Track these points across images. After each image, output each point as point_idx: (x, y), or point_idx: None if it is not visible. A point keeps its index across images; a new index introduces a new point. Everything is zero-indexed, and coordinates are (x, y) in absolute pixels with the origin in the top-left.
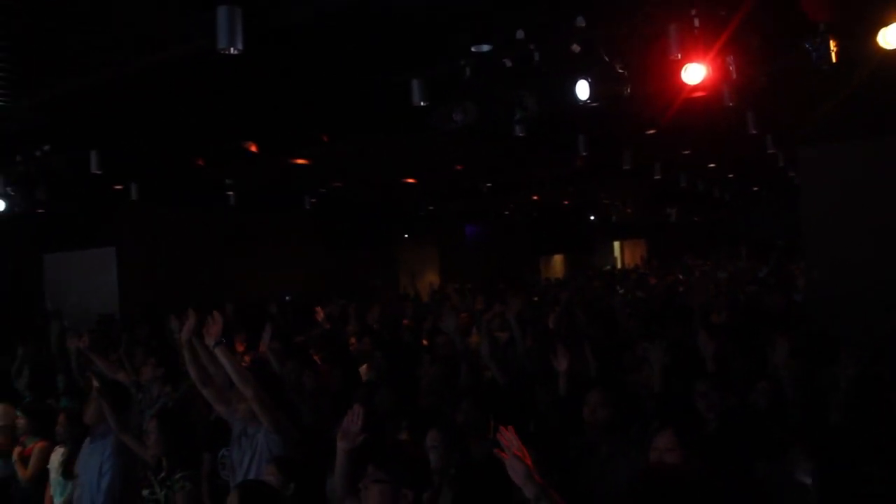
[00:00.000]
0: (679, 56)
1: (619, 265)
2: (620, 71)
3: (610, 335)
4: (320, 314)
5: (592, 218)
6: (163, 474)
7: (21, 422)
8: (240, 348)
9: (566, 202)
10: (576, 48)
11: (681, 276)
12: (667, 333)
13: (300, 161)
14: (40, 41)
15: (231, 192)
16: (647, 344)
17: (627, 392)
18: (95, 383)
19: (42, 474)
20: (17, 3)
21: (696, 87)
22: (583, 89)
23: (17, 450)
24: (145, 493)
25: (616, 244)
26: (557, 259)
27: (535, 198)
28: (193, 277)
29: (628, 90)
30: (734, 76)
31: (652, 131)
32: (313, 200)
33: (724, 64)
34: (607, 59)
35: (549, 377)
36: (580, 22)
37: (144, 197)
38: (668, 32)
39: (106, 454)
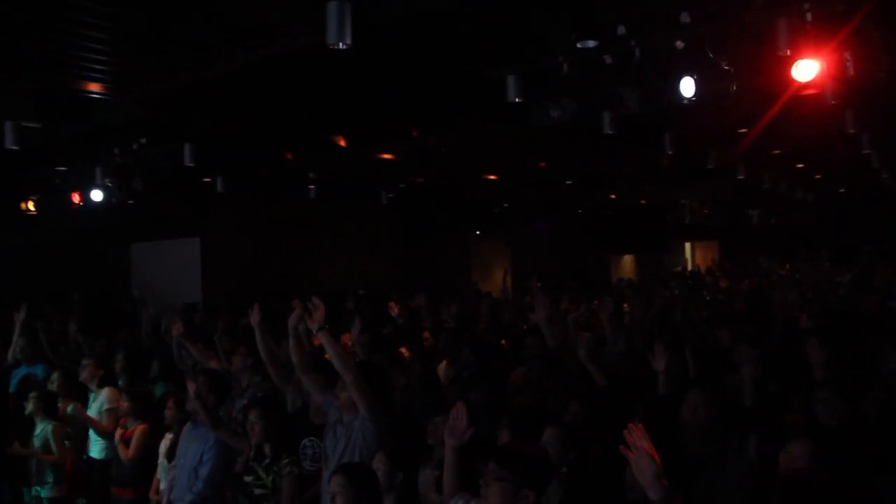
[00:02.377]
0: (788, 52)
1: (689, 267)
2: (726, 68)
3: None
4: (394, 309)
5: (666, 218)
6: (267, 461)
7: (124, 405)
8: (316, 342)
9: (643, 201)
10: (679, 44)
11: (756, 280)
12: (755, 339)
13: (386, 156)
14: (147, 37)
15: (312, 186)
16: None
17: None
18: (191, 382)
19: (143, 456)
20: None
21: (805, 85)
22: (687, 87)
23: (118, 432)
24: (248, 479)
25: (687, 245)
26: (627, 259)
27: (612, 196)
28: (275, 268)
29: (734, 87)
30: (851, 73)
31: (744, 130)
32: (391, 195)
33: (841, 60)
34: (712, 56)
35: (647, 378)
36: (685, 18)
37: (229, 189)
38: (777, 27)
39: (209, 443)
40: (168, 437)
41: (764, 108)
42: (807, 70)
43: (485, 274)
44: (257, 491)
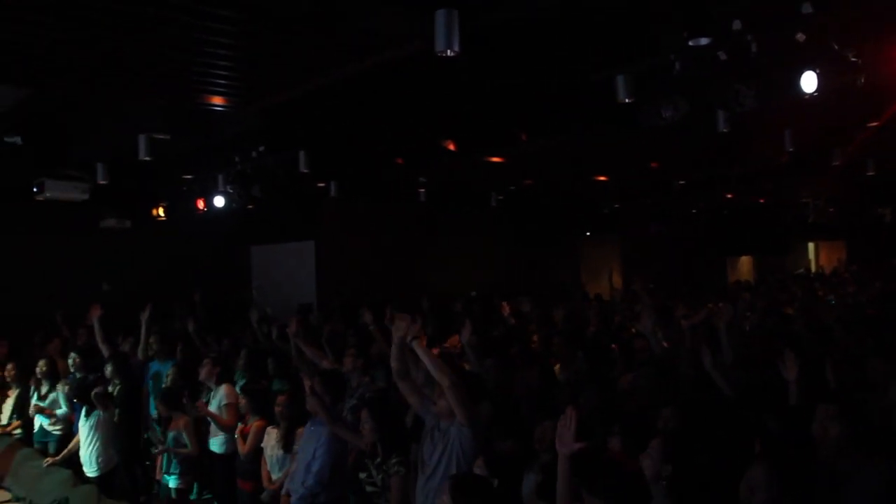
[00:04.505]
0: None
1: (813, 268)
2: (853, 60)
3: (824, 345)
4: (506, 309)
5: (787, 217)
6: (378, 459)
7: (242, 402)
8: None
9: (761, 200)
10: (801, 37)
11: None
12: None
13: (495, 159)
14: (266, 52)
15: (422, 190)
16: (877, 361)
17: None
18: (307, 381)
19: (258, 450)
20: (243, 16)
21: None
22: (809, 81)
23: (239, 427)
24: (363, 476)
25: (811, 246)
26: (745, 260)
27: (728, 196)
28: (386, 271)
29: (862, 80)
30: None
31: (875, 123)
32: (500, 198)
33: None
34: (837, 48)
35: (774, 388)
36: (806, 9)
37: (343, 194)
38: None
39: (321, 440)
40: (273, 431)
41: (893, 99)
42: None
43: (594, 277)
44: (368, 488)
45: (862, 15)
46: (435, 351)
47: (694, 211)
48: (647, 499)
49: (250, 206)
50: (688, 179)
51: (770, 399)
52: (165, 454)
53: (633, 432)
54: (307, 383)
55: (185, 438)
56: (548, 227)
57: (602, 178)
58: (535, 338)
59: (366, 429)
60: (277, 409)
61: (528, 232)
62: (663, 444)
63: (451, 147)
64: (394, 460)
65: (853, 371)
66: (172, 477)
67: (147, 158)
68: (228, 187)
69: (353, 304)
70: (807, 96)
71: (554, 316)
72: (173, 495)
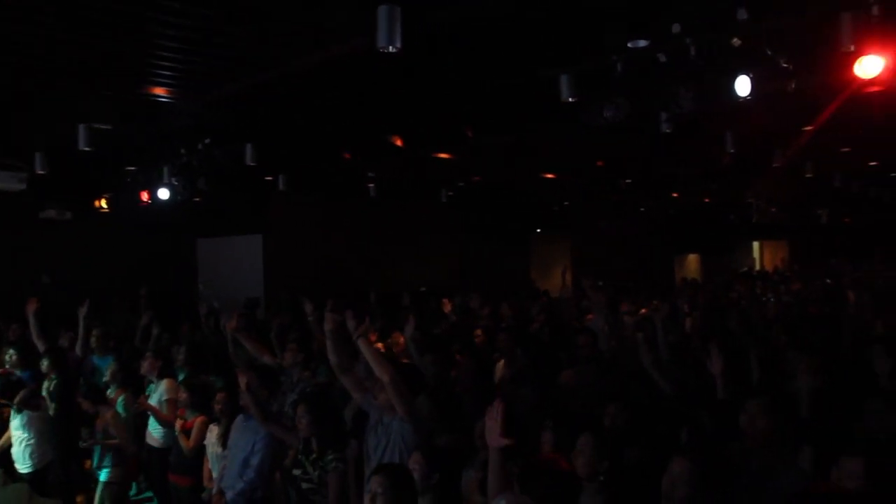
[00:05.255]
0: (852, 48)
1: (757, 267)
2: (785, 66)
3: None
4: (448, 306)
5: (732, 217)
6: (314, 455)
7: (183, 396)
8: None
9: (707, 200)
10: (736, 42)
11: (828, 281)
12: (818, 345)
13: (443, 155)
14: (211, 44)
15: (371, 185)
16: (794, 353)
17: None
18: (242, 376)
19: (201, 446)
20: (188, 8)
21: (870, 81)
22: (743, 85)
23: (178, 423)
24: (296, 472)
25: (755, 245)
26: (692, 258)
27: (674, 195)
28: (335, 265)
29: (793, 86)
30: None
31: (809, 128)
32: (450, 193)
33: None
34: (771, 53)
35: (703, 382)
36: (741, 15)
37: (291, 188)
38: (841, 23)
39: (260, 434)
40: (215, 428)
41: (826, 105)
42: (871, 66)
43: (545, 273)
44: (304, 485)
45: (794, 23)
46: (380, 346)
47: (642, 209)
48: (576, 496)
49: (197, 199)
50: (634, 179)
51: (703, 394)
52: (97, 448)
53: (567, 429)
54: (242, 379)
55: (114, 432)
56: (499, 223)
57: (550, 176)
58: (478, 332)
59: (302, 424)
60: (217, 406)
61: (479, 228)
62: (594, 441)
63: (399, 143)
64: (330, 456)
65: (777, 365)
66: (104, 471)
67: (87, 149)
68: (173, 179)
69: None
70: (741, 100)
71: (502, 312)
72: (103, 488)
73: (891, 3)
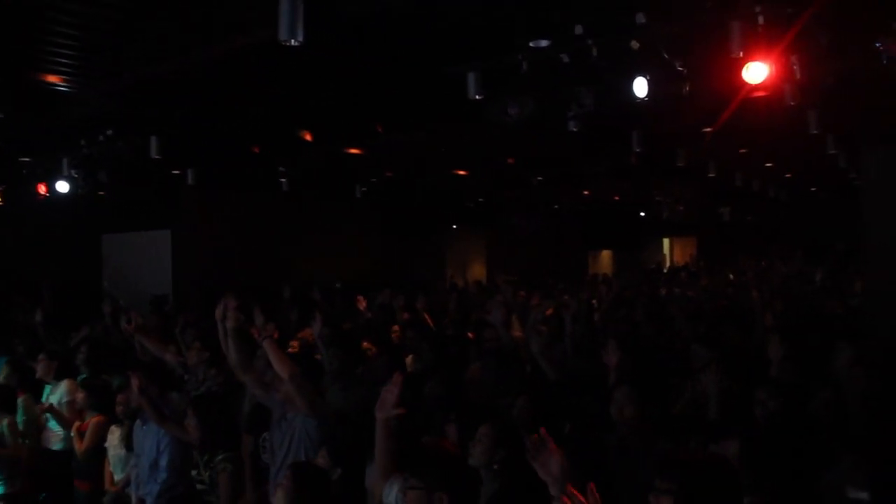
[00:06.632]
0: (741, 54)
1: (667, 263)
2: (679, 69)
3: (660, 334)
4: (362, 303)
5: (642, 214)
6: (206, 456)
7: (80, 396)
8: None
9: (617, 198)
10: (634, 45)
11: (731, 276)
12: (721, 337)
13: (353, 151)
14: (109, 31)
15: (283, 179)
16: (698, 347)
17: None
18: (135, 379)
19: (97, 448)
20: None
21: (757, 87)
22: (640, 87)
23: (75, 424)
24: (193, 473)
25: (665, 242)
26: (605, 255)
27: (585, 193)
28: (246, 262)
29: (687, 88)
30: (798, 76)
31: (708, 129)
32: (364, 189)
33: (788, 63)
34: (666, 57)
35: (597, 374)
36: (640, 19)
37: (200, 182)
38: (730, 30)
39: (162, 433)
40: (116, 430)
41: (721, 108)
42: (757, 72)
43: (462, 269)
44: (198, 486)
45: (690, 28)
46: (295, 344)
47: (556, 206)
48: (467, 481)
49: (101, 193)
50: (545, 176)
51: (593, 383)
52: None
53: (468, 421)
54: (134, 381)
55: (8, 439)
56: (414, 219)
57: (461, 173)
58: (395, 328)
59: (190, 426)
60: (118, 407)
61: (395, 223)
62: (492, 431)
63: (308, 137)
64: (220, 457)
65: (677, 358)
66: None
67: None
68: (73, 172)
69: (211, 296)
70: (638, 100)
71: (416, 307)
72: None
73: (773, 12)
